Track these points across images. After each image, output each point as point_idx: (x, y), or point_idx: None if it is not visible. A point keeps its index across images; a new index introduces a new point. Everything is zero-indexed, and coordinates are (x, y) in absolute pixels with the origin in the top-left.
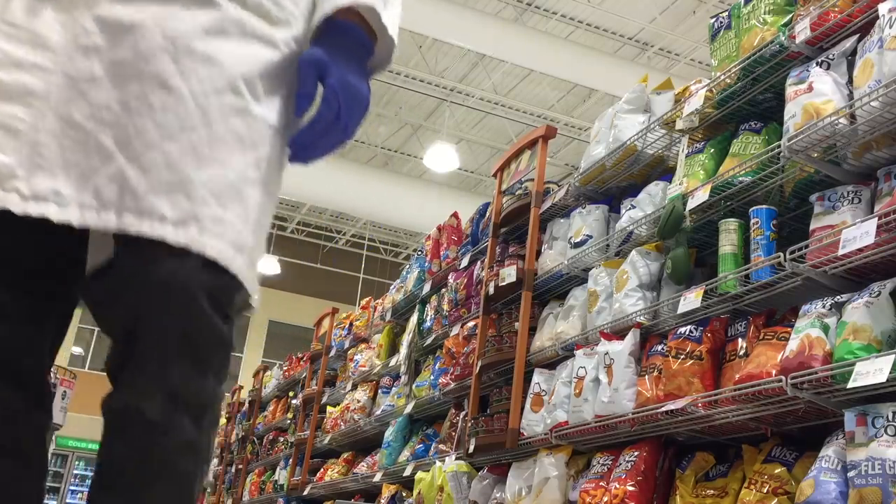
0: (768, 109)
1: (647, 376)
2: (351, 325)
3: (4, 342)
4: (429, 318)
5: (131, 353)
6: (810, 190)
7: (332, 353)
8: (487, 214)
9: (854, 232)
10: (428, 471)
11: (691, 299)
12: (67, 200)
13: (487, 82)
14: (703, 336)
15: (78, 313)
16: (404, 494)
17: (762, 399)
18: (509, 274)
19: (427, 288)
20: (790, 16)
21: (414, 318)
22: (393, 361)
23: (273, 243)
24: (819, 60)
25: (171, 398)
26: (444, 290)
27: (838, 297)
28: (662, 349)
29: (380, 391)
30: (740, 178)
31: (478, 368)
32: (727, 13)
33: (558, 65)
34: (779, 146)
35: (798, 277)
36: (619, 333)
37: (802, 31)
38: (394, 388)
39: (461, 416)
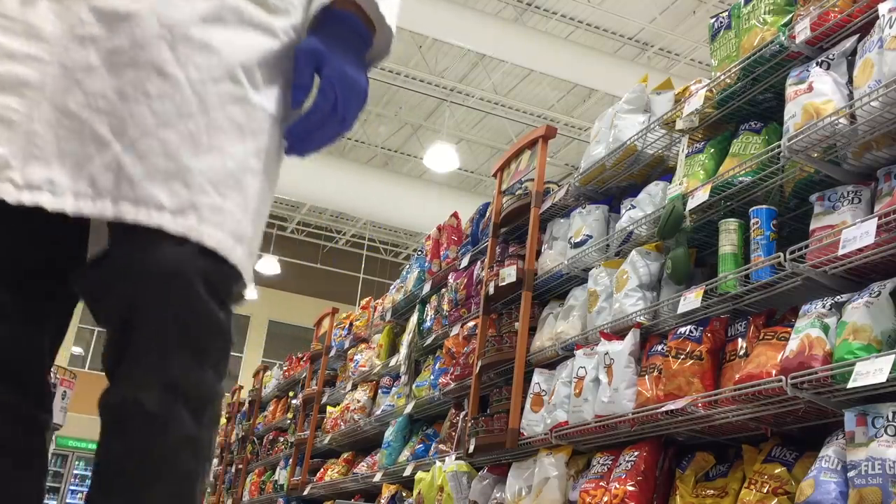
0: (768, 109)
1: (647, 376)
2: (351, 325)
3: (4, 342)
4: (429, 318)
5: (127, 343)
6: (810, 190)
7: (332, 353)
8: (487, 214)
9: (854, 232)
10: (428, 471)
11: (691, 299)
12: (62, 189)
13: (487, 82)
14: (703, 336)
15: (78, 313)
16: (404, 494)
17: (762, 399)
18: (509, 274)
19: (427, 288)
20: (790, 16)
21: (414, 318)
22: (393, 361)
23: (273, 243)
24: (819, 60)
25: (169, 389)
26: (444, 290)
27: (838, 297)
28: (662, 349)
29: (380, 391)
30: (740, 178)
31: (478, 368)
32: (727, 13)
33: (558, 65)
34: (779, 146)
35: (798, 277)
36: (619, 333)
37: (802, 31)
38: (394, 388)
39: (461, 416)
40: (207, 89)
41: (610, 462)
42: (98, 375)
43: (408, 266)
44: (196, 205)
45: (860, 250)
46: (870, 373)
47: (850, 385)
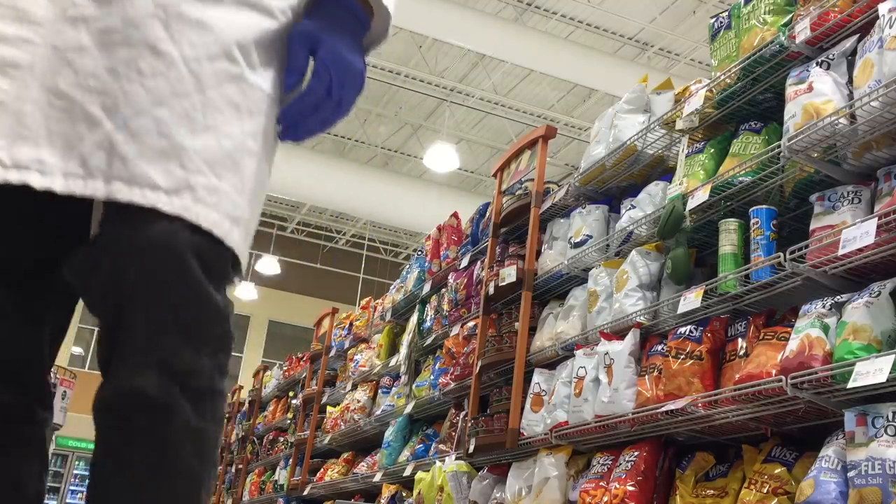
0: (768, 109)
1: (647, 376)
2: (351, 325)
3: (4, 342)
4: (429, 318)
5: (118, 329)
6: (810, 190)
7: (332, 353)
8: (487, 214)
9: (854, 232)
10: (428, 471)
11: (691, 299)
12: (51, 169)
13: (487, 82)
14: (703, 336)
15: (78, 313)
16: (404, 494)
17: (762, 399)
18: (509, 274)
19: (427, 288)
20: (790, 16)
21: (414, 318)
22: (393, 361)
23: (273, 243)
24: (819, 60)
25: (165, 371)
26: (444, 290)
27: (838, 297)
28: (662, 349)
29: (380, 391)
30: (740, 178)
31: (478, 368)
32: (727, 13)
33: (558, 65)
34: (779, 146)
35: (798, 277)
36: (619, 333)
37: (802, 31)
38: (394, 388)
39: (461, 416)
40: (203, 67)
41: (610, 462)
42: (98, 375)
43: (408, 266)
44: (191, 185)
45: (860, 250)
46: (870, 373)
47: (850, 385)
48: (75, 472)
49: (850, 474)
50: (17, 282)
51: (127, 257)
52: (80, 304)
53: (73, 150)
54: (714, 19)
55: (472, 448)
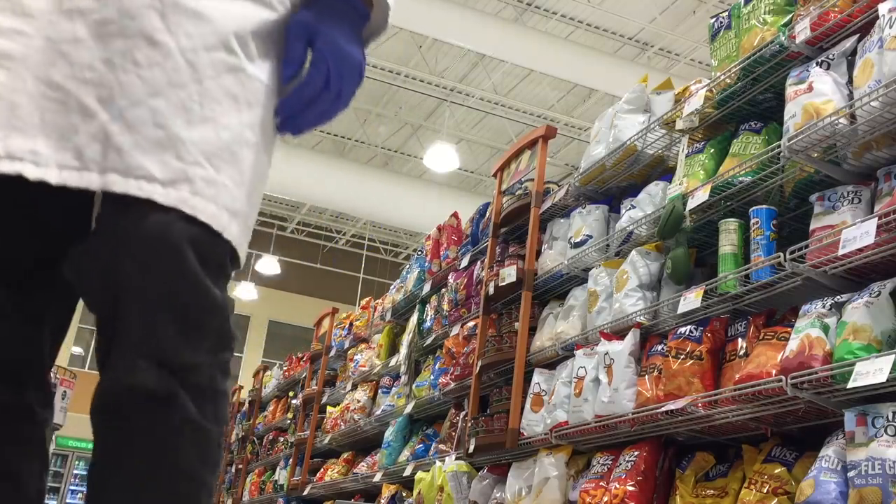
0: (768, 109)
1: (647, 376)
2: (351, 325)
3: (4, 342)
4: (429, 318)
5: (115, 323)
6: (810, 190)
7: (332, 353)
8: (487, 214)
9: (854, 232)
10: (428, 471)
11: (691, 299)
12: (45, 160)
13: (487, 82)
14: (703, 336)
15: (78, 313)
16: (404, 494)
17: (762, 399)
18: (509, 274)
19: (427, 288)
20: (790, 16)
21: (414, 318)
22: (393, 361)
23: (273, 243)
24: (819, 60)
25: (163, 364)
26: (444, 290)
27: (838, 297)
28: (662, 349)
29: (380, 391)
30: (740, 178)
31: (478, 368)
32: (727, 13)
33: (558, 65)
34: (779, 146)
35: (798, 277)
36: (619, 333)
37: (802, 31)
38: (394, 388)
39: (461, 416)
40: (200, 58)
41: (610, 462)
42: (98, 376)
43: (408, 266)
44: (189, 177)
45: (860, 250)
46: (870, 373)
47: (850, 385)
48: (75, 471)
49: (850, 474)
50: (17, 281)
51: (123, 249)
52: (80, 305)
53: (67, 141)
54: (714, 19)
55: (472, 448)
